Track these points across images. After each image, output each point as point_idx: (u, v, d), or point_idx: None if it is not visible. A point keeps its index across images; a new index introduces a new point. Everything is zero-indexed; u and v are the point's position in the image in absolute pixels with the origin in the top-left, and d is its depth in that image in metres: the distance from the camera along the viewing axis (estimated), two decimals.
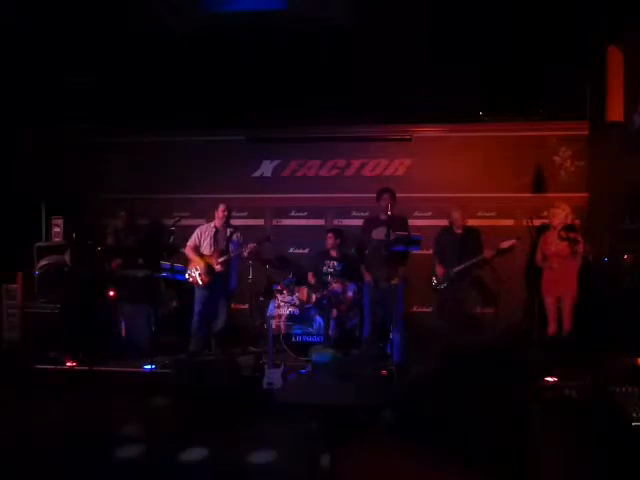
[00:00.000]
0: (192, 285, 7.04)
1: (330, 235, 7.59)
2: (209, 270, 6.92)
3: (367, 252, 7.16)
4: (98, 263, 7.61)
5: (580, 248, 6.51)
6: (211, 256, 7.00)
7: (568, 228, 6.54)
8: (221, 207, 7.11)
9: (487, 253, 6.85)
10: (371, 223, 7.19)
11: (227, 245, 7.06)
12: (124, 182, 8.76)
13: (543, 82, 7.55)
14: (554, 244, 6.63)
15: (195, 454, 4.15)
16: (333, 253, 7.60)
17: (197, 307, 7.05)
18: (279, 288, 7.49)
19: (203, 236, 7.12)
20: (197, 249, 7.08)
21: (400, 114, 8.14)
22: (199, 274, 6.93)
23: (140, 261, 7.54)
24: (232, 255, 7.00)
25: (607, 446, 4.05)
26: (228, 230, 7.14)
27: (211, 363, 6.40)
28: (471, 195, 8.09)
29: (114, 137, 8.82)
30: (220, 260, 6.95)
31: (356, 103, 7.84)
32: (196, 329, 7.05)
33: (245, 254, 6.98)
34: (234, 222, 7.46)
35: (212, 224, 7.17)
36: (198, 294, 7.07)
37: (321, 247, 7.75)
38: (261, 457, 3.86)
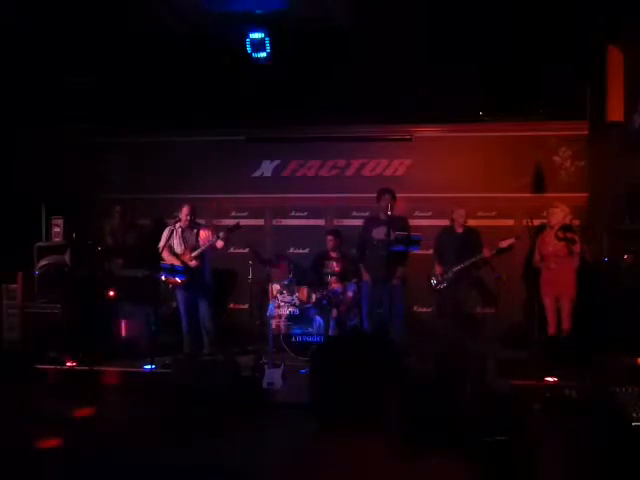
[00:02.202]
0: (171, 286, 7.07)
1: (330, 238, 7.59)
2: (186, 268, 6.93)
3: (367, 252, 7.17)
4: (98, 263, 7.61)
5: (577, 248, 6.51)
6: (184, 254, 7.02)
7: (565, 228, 6.53)
8: (185, 210, 7.07)
9: (486, 253, 6.85)
10: (371, 223, 7.20)
11: (196, 240, 7.07)
12: (124, 182, 8.76)
13: (542, 82, 7.54)
14: (551, 244, 6.62)
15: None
16: (333, 254, 7.60)
17: (181, 308, 7.11)
18: (279, 288, 7.48)
19: (172, 237, 7.09)
20: (171, 249, 7.09)
21: (400, 114, 8.13)
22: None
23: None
24: (205, 248, 6.99)
25: (607, 446, 4.06)
26: (194, 229, 7.15)
27: (211, 363, 6.41)
28: (471, 195, 8.09)
29: (114, 137, 8.82)
30: (194, 254, 6.97)
31: (356, 103, 7.83)
32: (186, 331, 7.10)
33: (219, 244, 6.97)
34: (233, 222, 7.45)
35: (178, 224, 7.15)
36: (179, 295, 7.11)
37: (321, 247, 7.75)
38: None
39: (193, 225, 7.15)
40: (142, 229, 8.18)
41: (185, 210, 7.08)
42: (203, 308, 7.09)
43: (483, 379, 4.85)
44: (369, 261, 7.10)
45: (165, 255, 7.03)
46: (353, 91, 7.67)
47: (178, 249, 7.09)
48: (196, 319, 7.10)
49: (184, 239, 7.11)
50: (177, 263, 6.94)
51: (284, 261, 7.92)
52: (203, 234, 7.11)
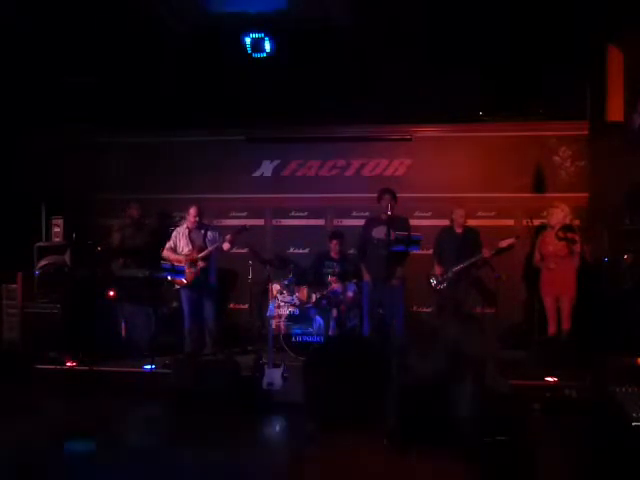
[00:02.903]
0: (177, 286, 7.10)
1: (335, 242, 7.58)
2: (192, 267, 6.94)
3: (368, 252, 7.16)
4: (98, 263, 7.61)
5: (577, 248, 6.51)
6: (190, 255, 7.03)
7: (565, 228, 6.54)
8: (192, 211, 7.12)
9: (486, 253, 6.85)
10: (372, 223, 7.19)
11: (204, 241, 7.10)
12: (124, 182, 8.75)
13: (543, 82, 7.54)
14: (552, 244, 6.63)
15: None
16: (333, 255, 7.60)
17: (185, 308, 7.12)
18: (279, 288, 7.48)
19: (178, 237, 7.16)
20: (175, 251, 7.11)
21: (400, 114, 8.13)
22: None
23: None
24: (212, 249, 7.01)
25: (607, 446, 4.05)
26: (202, 230, 7.18)
27: (210, 363, 6.41)
28: (471, 195, 8.09)
29: (114, 137, 8.82)
30: (200, 255, 6.99)
31: (356, 103, 7.83)
32: (189, 331, 7.10)
33: (225, 246, 7.00)
34: (233, 222, 7.47)
35: (184, 225, 7.20)
36: (184, 295, 7.12)
37: (321, 247, 7.75)
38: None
39: (200, 226, 7.17)
40: (150, 228, 8.16)
41: (192, 211, 7.10)
42: (208, 308, 7.11)
43: (483, 379, 4.85)
44: (370, 261, 7.10)
45: (167, 255, 7.07)
46: (353, 91, 7.67)
47: (185, 250, 7.11)
48: (199, 319, 7.11)
49: (191, 240, 7.13)
50: (180, 263, 6.94)
51: (285, 261, 7.94)
52: (210, 235, 7.13)
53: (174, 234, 7.21)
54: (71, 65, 7.70)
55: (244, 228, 7.16)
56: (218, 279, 7.45)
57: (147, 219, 8.23)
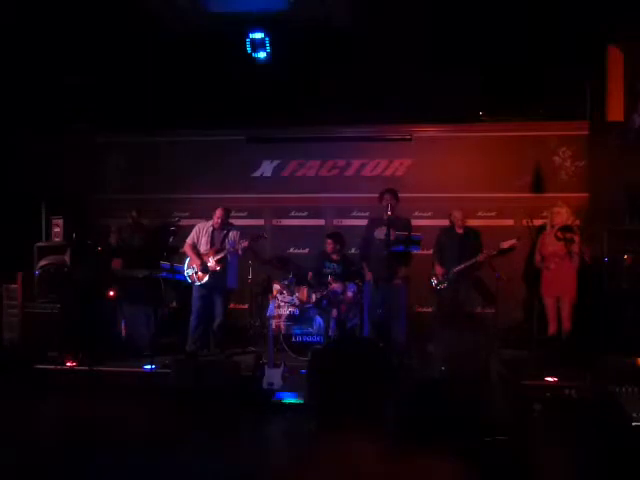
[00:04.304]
0: (190, 283, 7.09)
1: (329, 242, 7.56)
2: (206, 268, 6.95)
3: (370, 252, 7.15)
4: (98, 263, 7.61)
5: (575, 248, 6.50)
6: (208, 254, 7.04)
7: (564, 229, 6.54)
8: (217, 212, 7.13)
9: (485, 254, 6.85)
10: (374, 223, 7.19)
11: (223, 243, 7.10)
12: (124, 182, 8.75)
13: (543, 82, 7.55)
14: (551, 245, 6.63)
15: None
16: (333, 256, 7.60)
17: (195, 305, 7.10)
18: (279, 288, 7.48)
19: (201, 233, 7.18)
20: (195, 247, 7.12)
21: (400, 114, 8.13)
22: (196, 272, 6.96)
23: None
24: (228, 252, 7.02)
25: (607, 446, 4.05)
26: (224, 230, 7.18)
27: (211, 363, 6.41)
28: (471, 195, 8.09)
29: (114, 137, 8.82)
30: (216, 257, 6.99)
31: (356, 103, 7.83)
32: (194, 327, 7.08)
33: (240, 252, 7.00)
34: (234, 222, 7.47)
35: (210, 223, 7.21)
36: (196, 292, 7.11)
37: (321, 247, 7.76)
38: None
39: (224, 227, 7.18)
40: (150, 228, 8.15)
41: (218, 213, 7.13)
42: (219, 310, 7.10)
43: (483, 379, 4.85)
44: (372, 261, 7.09)
45: (187, 250, 7.11)
46: (353, 91, 7.67)
47: (203, 248, 7.13)
48: (207, 318, 7.11)
49: (212, 239, 7.14)
50: (196, 263, 6.96)
51: (285, 261, 7.94)
52: (231, 237, 7.14)
53: (197, 229, 7.21)
54: (71, 65, 7.71)
55: (261, 236, 7.19)
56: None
57: (146, 219, 8.23)
